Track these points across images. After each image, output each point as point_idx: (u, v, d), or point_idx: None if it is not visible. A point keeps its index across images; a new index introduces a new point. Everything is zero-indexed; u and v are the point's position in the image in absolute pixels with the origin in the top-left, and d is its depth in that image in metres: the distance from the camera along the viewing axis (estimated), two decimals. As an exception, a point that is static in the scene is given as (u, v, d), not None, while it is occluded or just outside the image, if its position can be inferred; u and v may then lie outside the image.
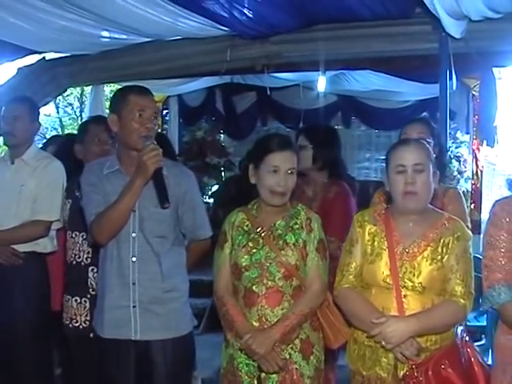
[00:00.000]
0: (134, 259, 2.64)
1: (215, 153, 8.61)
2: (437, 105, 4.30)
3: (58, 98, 10.06)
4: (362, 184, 5.92)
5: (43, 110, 6.29)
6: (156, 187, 2.58)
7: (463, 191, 7.18)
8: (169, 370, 2.66)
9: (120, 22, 4.11)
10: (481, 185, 7.28)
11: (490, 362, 2.42)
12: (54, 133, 12.20)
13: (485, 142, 5.18)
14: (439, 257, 2.41)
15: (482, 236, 2.39)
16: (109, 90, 7.37)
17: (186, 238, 2.87)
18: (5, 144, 3.67)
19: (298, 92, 7.58)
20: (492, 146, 5.23)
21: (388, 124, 8.49)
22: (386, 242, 2.46)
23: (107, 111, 2.89)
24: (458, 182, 7.44)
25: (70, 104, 13.61)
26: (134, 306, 2.64)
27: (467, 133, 7.70)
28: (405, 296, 2.38)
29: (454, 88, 4.28)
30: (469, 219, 3.15)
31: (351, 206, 3.50)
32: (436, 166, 2.53)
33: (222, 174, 8.90)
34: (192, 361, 3.19)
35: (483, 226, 2.50)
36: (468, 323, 4.63)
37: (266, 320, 2.57)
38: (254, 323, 2.57)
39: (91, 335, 2.98)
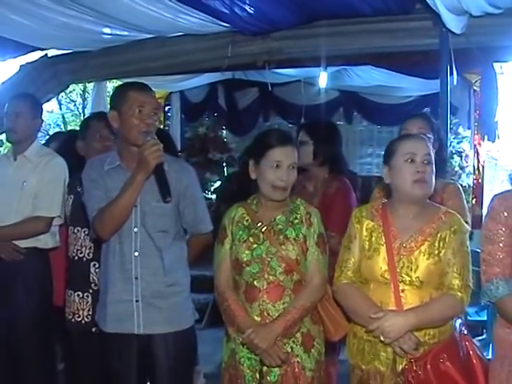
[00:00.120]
0: (136, 254, 2.66)
1: (217, 149, 8.60)
2: (438, 100, 4.30)
3: (61, 94, 10.04)
4: (364, 179, 5.95)
5: (46, 107, 6.32)
6: (158, 182, 2.60)
7: (465, 186, 7.21)
8: (170, 363, 2.68)
9: (121, 19, 4.12)
10: (482, 180, 7.28)
11: (490, 357, 2.43)
12: (57, 129, 12.18)
13: (486, 137, 5.18)
14: (436, 251, 2.42)
15: (482, 230, 2.40)
16: (111, 86, 7.38)
17: (187, 233, 2.88)
18: (7, 140, 3.69)
19: (300, 88, 7.58)
20: (493, 141, 5.24)
21: (390, 119, 8.48)
22: (383, 238, 2.48)
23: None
24: (460, 177, 7.44)
25: (73, 100, 13.60)
26: (136, 301, 2.66)
27: (469, 128, 7.68)
28: (403, 291, 2.40)
29: (455, 83, 4.28)
30: (468, 214, 3.15)
31: (352, 201, 3.51)
32: (436, 161, 2.55)
33: (225, 169, 8.91)
34: (193, 354, 3.21)
35: (485, 221, 2.50)
36: (469, 318, 4.66)
37: (268, 314, 2.59)
38: (256, 318, 2.59)
39: (93, 330, 3.00)
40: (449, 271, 2.40)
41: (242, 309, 2.61)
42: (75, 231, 3.24)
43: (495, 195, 2.33)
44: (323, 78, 6.50)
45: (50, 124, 13.06)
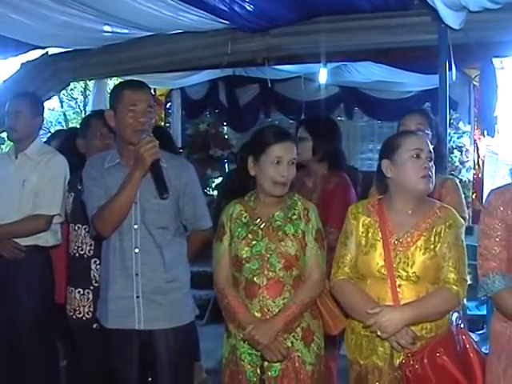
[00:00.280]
0: (136, 250, 2.68)
1: (218, 145, 8.60)
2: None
3: (62, 92, 10.06)
4: (365, 175, 5.94)
5: (47, 104, 6.33)
6: (154, 179, 2.62)
7: (465, 181, 7.21)
8: (171, 358, 2.71)
9: (121, 17, 4.12)
10: (482, 175, 7.27)
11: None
12: (59, 127, 12.19)
13: (485, 131, 5.18)
14: (432, 246, 2.44)
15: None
16: (112, 83, 7.39)
17: (187, 230, 2.90)
18: (8, 139, 3.71)
19: (300, 84, 7.58)
20: (492, 136, 5.24)
21: (391, 115, 8.44)
22: (379, 233, 2.49)
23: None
24: (460, 172, 7.43)
25: (74, 98, 13.60)
26: (137, 297, 2.68)
27: (469, 123, 7.68)
28: (399, 286, 2.42)
29: (454, 79, 4.28)
30: (466, 210, 3.16)
31: (351, 196, 3.51)
32: (434, 156, 2.56)
33: (226, 166, 8.92)
34: (194, 350, 3.24)
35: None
36: (469, 312, 4.68)
37: (268, 310, 2.61)
38: (256, 314, 2.61)
39: (94, 326, 3.03)
40: (444, 265, 2.42)
41: (242, 305, 2.63)
42: (76, 228, 3.26)
43: (492, 190, 2.34)
44: (323, 74, 6.51)
45: (51, 122, 13.07)
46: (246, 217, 2.71)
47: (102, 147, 3.24)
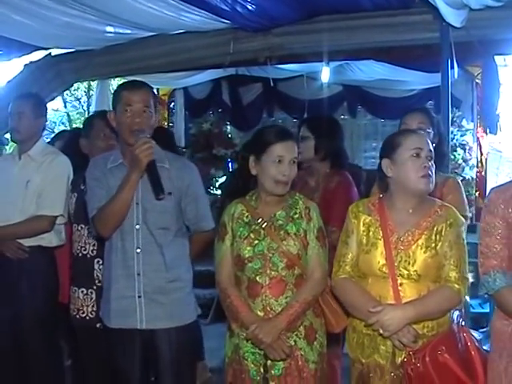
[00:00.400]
0: (138, 250, 2.70)
1: (222, 144, 8.60)
2: (441, 93, 4.29)
3: (66, 92, 10.08)
4: (369, 173, 5.92)
5: (51, 105, 6.34)
6: (150, 179, 2.63)
7: (468, 179, 7.20)
8: (173, 356, 2.72)
9: (124, 18, 4.13)
10: (485, 172, 7.27)
11: (490, 348, 2.45)
12: (62, 127, 12.19)
13: (488, 129, 5.17)
14: (433, 244, 2.44)
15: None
16: (115, 83, 7.39)
17: (189, 230, 2.91)
18: (12, 140, 3.72)
19: (303, 83, 7.57)
20: (494, 134, 5.22)
21: (394, 113, 8.41)
22: (380, 232, 2.50)
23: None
24: (463, 169, 7.44)
25: (78, 98, 13.61)
26: (139, 296, 2.70)
27: (472, 121, 7.67)
28: (401, 284, 2.42)
29: (456, 77, 4.27)
30: (468, 208, 3.15)
31: (353, 195, 3.50)
32: (436, 155, 2.56)
33: (229, 165, 8.92)
34: (196, 348, 3.24)
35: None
36: (472, 310, 4.68)
37: (271, 309, 2.61)
38: (259, 313, 2.62)
39: (98, 325, 3.04)
40: (445, 264, 2.42)
41: (245, 304, 2.64)
42: (79, 228, 3.28)
43: (492, 188, 2.35)
44: (326, 73, 6.51)
45: (55, 122, 13.08)
46: (247, 216, 2.72)
47: (105, 148, 3.26)
